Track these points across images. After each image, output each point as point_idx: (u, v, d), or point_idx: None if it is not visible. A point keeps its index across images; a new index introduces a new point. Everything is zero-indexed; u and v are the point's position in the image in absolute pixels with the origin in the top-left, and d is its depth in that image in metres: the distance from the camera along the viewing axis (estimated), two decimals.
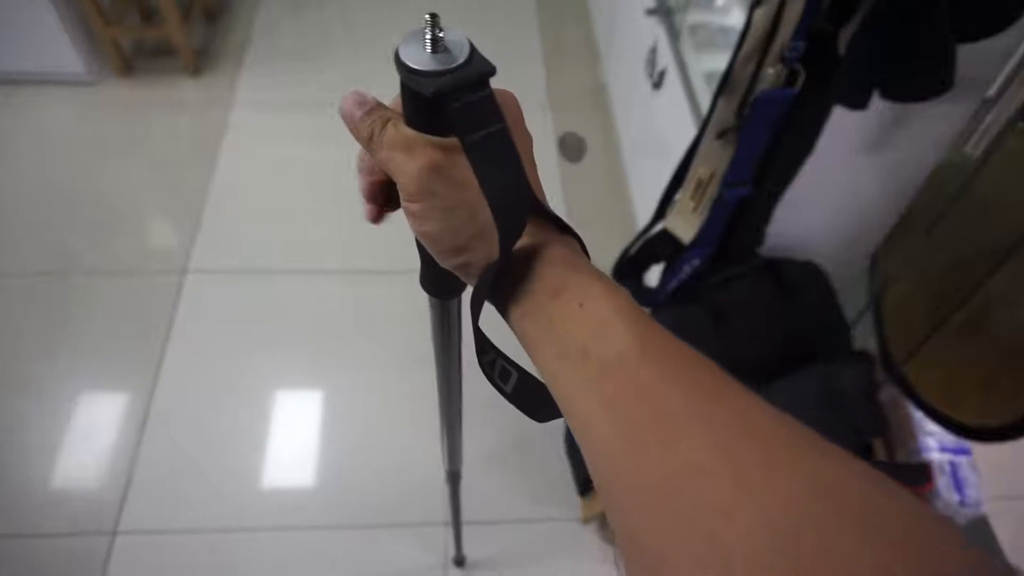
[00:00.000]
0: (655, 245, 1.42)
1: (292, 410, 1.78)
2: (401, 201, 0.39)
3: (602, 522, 1.58)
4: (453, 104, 0.35)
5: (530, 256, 0.37)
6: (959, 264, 1.39)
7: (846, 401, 1.38)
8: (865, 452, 1.40)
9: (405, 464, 1.70)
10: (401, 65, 0.36)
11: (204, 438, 1.71)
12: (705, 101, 1.58)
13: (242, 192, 2.21)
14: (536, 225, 0.38)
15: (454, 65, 0.36)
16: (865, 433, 1.39)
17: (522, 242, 0.37)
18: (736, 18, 1.81)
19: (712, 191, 1.20)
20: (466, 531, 1.42)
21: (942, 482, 1.38)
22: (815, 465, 0.25)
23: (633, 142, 2.20)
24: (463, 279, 0.41)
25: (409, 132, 0.38)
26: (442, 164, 0.36)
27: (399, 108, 0.40)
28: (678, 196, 1.27)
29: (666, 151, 1.88)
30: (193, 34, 2.47)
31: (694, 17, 1.78)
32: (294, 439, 1.73)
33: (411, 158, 0.37)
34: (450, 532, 1.52)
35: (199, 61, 2.51)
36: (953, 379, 1.44)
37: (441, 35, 0.36)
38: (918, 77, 0.98)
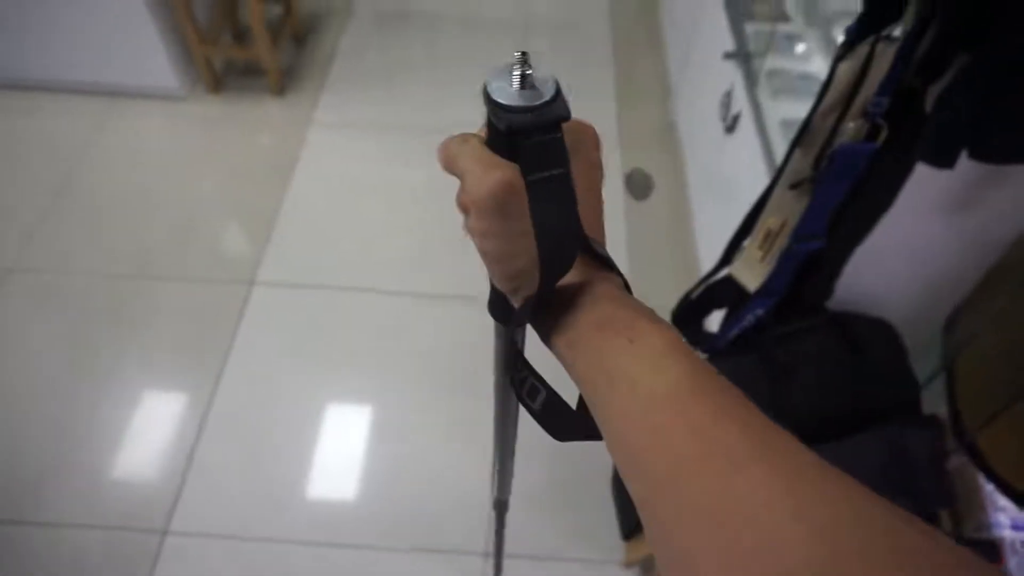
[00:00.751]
0: (718, 291, 1.39)
1: (343, 426, 1.81)
2: (471, 218, 0.40)
3: (644, 567, 1.54)
4: (523, 141, 0.36)
5: (577, 291, 0.39)
6: None
7: (911, 467, 1.32)
8: (931, 521, 1.33)
9: (449, 489, 1.70)
10: (487, 97, 0.38)
11: (257, 446, 1.75)
12: (780, 148, 1.56)
13: (313, 209, 2.28)
14: (585, 261, 0.40)
15: (535, 103, 0.37)
16: (931, 502, 1.32)
17: (571, 276, 0.38)
18: (817, 65, 1.78)
19: (782, 242, 1.17)
20: (505, 564, 1.41)
21: (1014, 562, 1.30)
22: (877, 514, 0.25)
23: (701, 184, 2.18)
24: (511, 300, 0.43)
25: (489, 151, 0.39)
26: (514, 186, 0.37)
27: (483, 134, 0.41)
28: (746, 243, 1.25)
29: (735, 196, 1.86)
30: (281, 55, 2.58)
31: (773, 62, 1.76)
32: (342, 455, 1.76)
33: (488, 173, 0.38)
34: (486, 562, 1.50)
35: (284, 81, 2.63)
36: None
37: (529, 72, 0.37)
38: (1013, 139, 0.94)
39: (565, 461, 1.72)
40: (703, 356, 1.58)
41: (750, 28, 1.86)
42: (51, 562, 1.55)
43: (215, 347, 1.91)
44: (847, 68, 0.93)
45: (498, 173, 0.37)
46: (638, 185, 2.41)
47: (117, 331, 1.94)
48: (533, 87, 0.37)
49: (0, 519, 1.60)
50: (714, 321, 1.51)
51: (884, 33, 0.90)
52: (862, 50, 0.90)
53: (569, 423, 0.41)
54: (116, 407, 1.80)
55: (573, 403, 0.41)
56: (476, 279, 2.38)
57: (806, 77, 1.75)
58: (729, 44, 1.86)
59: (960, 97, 0.95)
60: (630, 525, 1.52)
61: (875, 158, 1.02)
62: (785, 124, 1.62)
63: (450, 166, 0.41)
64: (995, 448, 1.40)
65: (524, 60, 0.37)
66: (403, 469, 1.73)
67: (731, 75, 1.83)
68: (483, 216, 0.38)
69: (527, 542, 1.60)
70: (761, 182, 1.57)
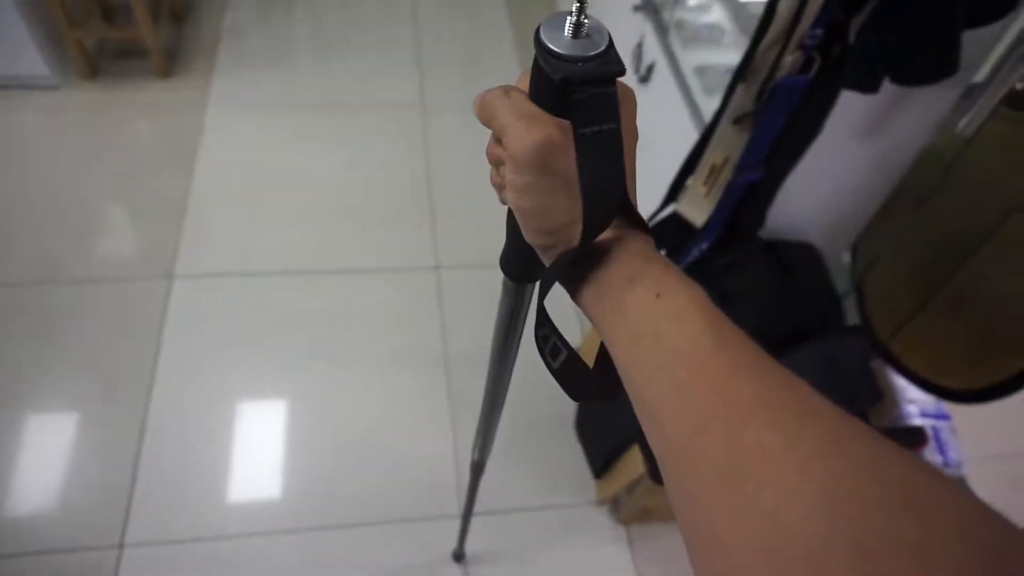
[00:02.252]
0: (662, 230, 1.47)
1: (289, 411, 1.76)
2: (508, 172, 0.39)
3: (615, 504, 1.61)
4: (577, 94, 0.36)
5: (609, 246, 0.39)
6: (944, 243, 1.49)
7: (844, 373, 1.46)
8: (861, 419, 1.48)
9: (406, 459, 1.70)
10: (540, 43, 0.37)
11: (203, 444, 1.68)
12: (698, 93, 1.64)
13: (223, 195, 2.17)
14: (620, 220, 0.40)
15: (590, 54, 0.36)
16: (862, 401, 1.47)
17: (605, 233, 0.39)
18: (716, 16, 1.88)
19: (725, 176, 1.25)
20: (473, 522, 1.44)
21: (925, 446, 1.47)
22: (876, 454, 0.26)
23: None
24: (542, 258, 0.43)
25: (532, 105, 0.39)
26: (559, 142, 0.37)
27: (524, 85, 0.41)
28: (690, 181, 1.32)
29: (653, 144, 1.94)
30: (161, 35, 2.41)
31: (677, 14, 1.85)
32: (291, 440, 1.71)
33: (530, 129, 0.37)
34: (448, 526, 1.52)
35: (168, 63, 2.45)
36: (939, 352, 1.53)
37: (585, 21, 0.37)
38: (928, 61, 1.05)
39: (526, 412, 1.77)
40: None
41: None
42: None
43: (142, 348, 1.80)
44: (787, 3, 1.00)
45: (543, 128, 0.37)
46: None
47: (32, 345, 1.78)
48: (588, 36, 0.37)
49: None
50: None
51: None
52: None
53: (585, 383, 0.42)
54: (45, 427, 1.66)
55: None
56: (399, 250, 2.37)
57: (711, 27, 1.85)
58: None
59: (879, 26, 1.05)
60: (600, 463, 1.59)
61: (808, 89, 1.11)
62: (700, 70, 1.70)
63: (489, 120, 0.40)
64: (907, 352, 1.57)
65: (580, 8, 0.36)
66: (357, 446, 1.72)
67: (640, 27, 1.89)
68: (524, 171, 0.38)
69: (498, 497, 1.64)
70: (683, 126, 1.66)
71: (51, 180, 2.13)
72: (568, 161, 0.37)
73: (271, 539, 1.56)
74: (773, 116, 1.13)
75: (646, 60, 1.85)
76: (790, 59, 1.05)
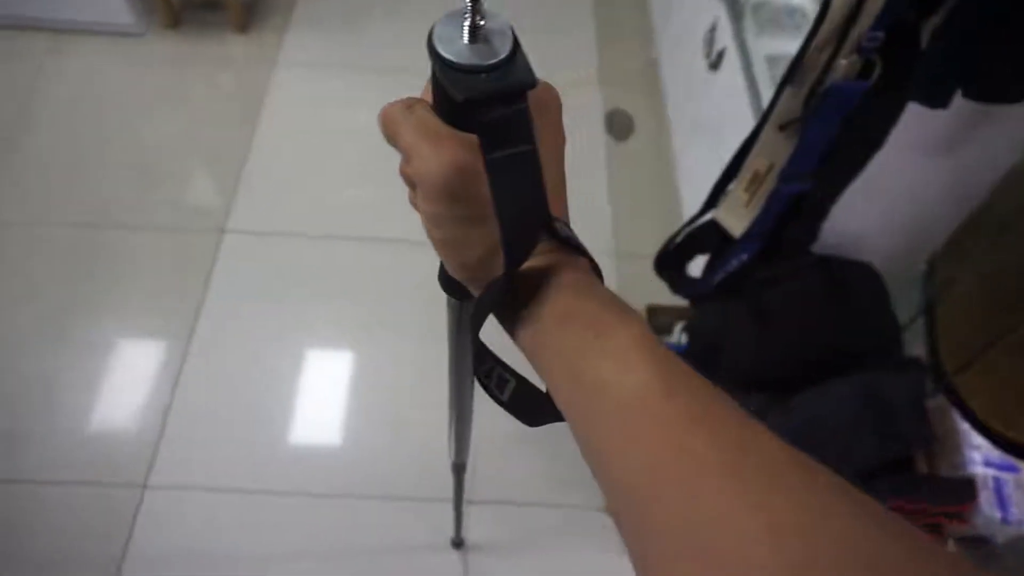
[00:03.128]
0: (702, 236, 1.37)
1: (320, 375, 1.79)
2: (419, 198, 0.35)
3: None
4: (482, 116, 0.31)
5: (539, 278, 0.35)
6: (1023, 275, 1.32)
7: (890, 409, 1.33)
8: (908, 462, 1.35)
9: (427, 438, 1.68)
10: (434, 53, 0.32)
11: (233, 397, 1.72)
12: (765, 85, 1.51)
13: (283, 153, 2.19)
14: (549, 245, 0.35)
15: (491, 61, 0.31)
16: (911, 443, 1.33)
17: (533, 262, 0.34)
18: None
19: (768, 184, 1.14)
20: (479, 510, 1.42)
21: (984, 497, 1.33)
22: (853, 530, 0.24)
23: (684, 124, 2.12)
24: (469, 288, 0.39)
25: (438, 121, 0.34)
26: (468, 167, 0.32)
27: (429, 97, 0.36)
28: (731, 187, 1.22)
29: (719, 136, 1.81)
30: None
31: None
32: (319, 404, 1.74)
33: (437, 151, 0.33)
34: (465, 509, 1.51)
35: (247, 17, 2.49)
36: (1010, 394, 1.37)
37: (482, 23, 0.31)
38: (1010, 77, 0.91)
39: None
40: (687, 302, 1.57)
41: None
42: (27, 519, 1.52)
43: (187, 298, 1.86)
44: (842, 0, 0.88)
45: (450, 152, 0.32)
46: (619, 126, 2.35)
47: (83, 284, 1.88)
48: (487, 40, 0.32)
49: None
50: (696, 266, 1.49)
51: None
52: None
53: (540, 408, 0.38)
54: (86, 362, 1.75)
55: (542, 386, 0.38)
56: None
57: (792, 11, 1.68)
58: None
59: (954, 33, 0.91)
60: None
61: (868, 96, 0.98)
62: (771, 60, 1.56)
63: (393, 138, 0.36)
64: (973, 391, 1.41)
65: (476, 8, 0.31)
66: (379, 418, 1.72)
67: (715, 9, 1.75)
68: (432, 200, 0.34)
69: (508, 488, 1.61)
70: (745, 121, 1.53)
71: (121, 125, 2.21)
72: (482, 187, 0.32)
73: (287, 499, 1.59)
74: (823, 124, 1.01)
75: (717, 46, 1.72)
76: (845, 62, 0.93)
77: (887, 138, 1.09)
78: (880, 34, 0.89)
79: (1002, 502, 1.34)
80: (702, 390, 0.29)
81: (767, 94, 1.50)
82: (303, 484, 1.61)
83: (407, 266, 1.98)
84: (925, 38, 0.93)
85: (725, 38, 1.67)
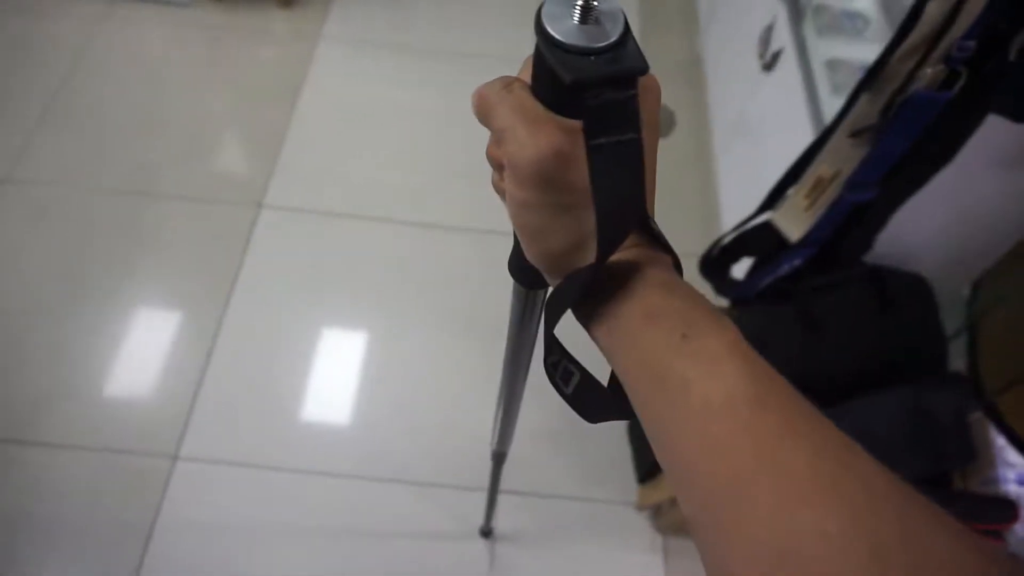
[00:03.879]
0: (752, 238, 1.35)
1: (351, 356, 1.78)
2: (507, 182, 0.34)
3: (656, 511, 1.55)
4: (590, 100, 0.30)
5: (625, 272, 0.33)
6: None
7: (936, 424, 1.31)
8: (943, 477, 1.34)
9: (455, 425, 1.69)
10: (542, 31, 0.31)
11: (264, 373, 1.72)
12: (824, 90, 1.48)
13: (322, 131, 2.18)
14: (636, 240, 0.35)
15: (602, 44, 0.30)
16: (952, 460, 1.32)
17: (619, 255, 0.34)
18: (864, 3, 1.68)
19: (832, 192, 1.12)
20: (508, 500, 1.41)
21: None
22: (951, 547, 0.23)
23: (727, 123, 2.10)
24: (546, 278, 0.38)
25: (536, 103, 0.32)
26: (567, 152, 0.31)
27: (527, 77, 0.34)
28: (791, 191, 1.20)
29: (765, 138, 1.79)
30: None
31: None
32: (350, 385, 1.73)
33: (534, 135, 0.31)
34: (484, 499, 1.51)
35: None
36: None
37: (595, 4, 0.30)
38: None
39: None
40: (727, 304, 1.55)
41: None
42: (58, 483, 1.53)
43: (223, 270, 1.86)
44: (936, 7, 0.85)
45: (548, 136, 0.31)
46: (661, 120, 2.32)
47: (121, 249, 1.88)
48: (598, 22, 0.31)
49: (2, 438, 1.57)
50: (738, 268, 1.47)
51: None
52: None
53: (602, 405, 0.38)
54: (121, 328, 1.76)
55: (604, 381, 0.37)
56: (487, 213, 2.33)
57: (853, 16, 1.65)
58: None
59: None
60: (645, 468, 1.53)
61: (947, 108, 0.96)
62: (831, 64, 1.54)
63: (486, 119, 0.34)
64: (1015, 411, 1.40)
65: None
66: (411, 403, 1.72)
67: (773, 8, 1.72)
68: (524, 185, 0.32)
69: (539, 481, 1.61)
70: (800, 125, 1.51)
71: (163, 94, 2.21)
72: (578, 174, 0.32)
73: (312, 478, 1.59)
74: (899, 134, 0.99)
75: (773, 46, 1.69)
76: (930, 71, 0.91)
77: (958, 153, 1.07)
78: (972, 44, 0.86)
79: None
80: (796, 402, 0.28)
81: (826, 99, 1.48)
82: (331, 465, 1.61)
83: (442, 252, 1.97)
84: (1013, 51, 0.91)
85: (783, 38, 1.64)
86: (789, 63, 1.60)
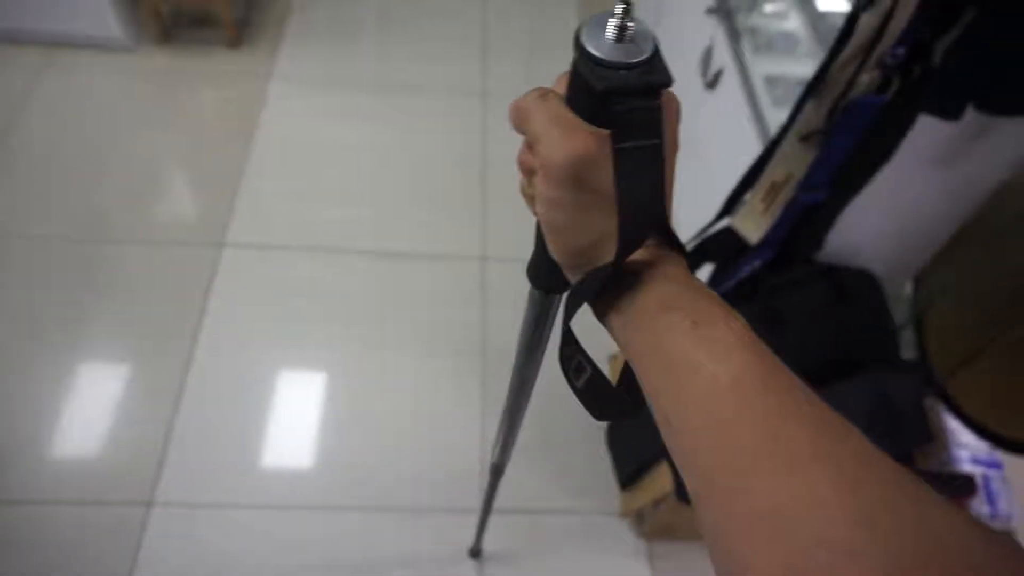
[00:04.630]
0: (713, 244, 1.42)
1: (323, 387, 1.78)
2: (539, 183, 0.37)
3: (638, 517, 1.58)
4: (618, 106, 0.34)
5: (641, 268, 0.36)
6: (1018, 284, 1.40)
7: (894, 409, 1.39)
8: (906, 459, 1.41)
9: (435, 449, 1.70)
10: (580, 46, 0.35)
11: (236, 411, 1.70)
12: (766, 103, 1.58)
13: (279, 167, 2.19)
14: (653, 239, 0.37)
15: (633, 60, 0.34)
16: (912, 443, 1.40)
17: (637, 254, 0.36)
18: (793, 24, 1.81)
19: (786, 194, 1.20)
20: (493, 519, 1.41)
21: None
22: (942, 518, 0.24)
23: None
24: (567, 275, 0.41)
25: (569, 112, 0.36)
26: (596, 156, 0.35)
27: (560, 90, 0.38)
28: (748, 196, 1.27)
29: (711, 153, 1.88)
30: (233, 6, 2.44)
31: (751, 20, 1.78)
32: (325, 417, 1.73)
33: (566, 139, 0.35)
34: (469, 521, 1.51)
35: (238, 33, 2.49)
36: (999, 398, 1.45)
37: (630, 25, 0.34)
38: (1017, 90, 0.98)
39: (558, 414, 1.74)
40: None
41: None
42: (31, 539, 1.47)
43: (188, 311, 1.84)
44: (869, 19, 0.94)
45: (579, 140, 0.35)
46: None
47: (79, 297, 1.84)
48: (632, 41, 0.34)
49: None
50: (702, 274, 1.54)
51: None
52: (885, 1, 0.92)
53: (610, 401, 0.40)
54: (85, 378, 1.72)
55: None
56: (447, 238, 2.35)
57: (785, 35, 1.77)
58: (709, 0, 1.86)
59: (968, 50, 0.98)
60: (626, 474, 1.56)
61: (883, 110, 1.05)
62: (769, 80, 1.64)
63: (522, 125, 0.38)
64: (966, 393, 1.49)
65: (626, 10, 0.34)
66: (388, 430, 1.72)
67: (710, 31, 1.83)
68: (555, 184, 0.36)
69: (522, 496, 1.62)
70: (747, 137, 1.60)
71: (113, 139, 2.19)
72: (604, 176, 0.35)
73: (294, 513, 1.57)
74: (844, 136, 1.07)
75: (714, 66, 1.79)
76: (867, 78, 1.00)
77: (896, 151, 1.16)
78: (902, 51, 0.95)
79: (991, 497, 1.40)
80: (796, 385, 0.30)
81: (768, 111, 1.58)
82: (311, 498, 1.60)
83: (404, 279, 1.99)
84: (937, 55, 1.00)
85: (723, 59, 1.74)
86: (731, 81, 1.70)
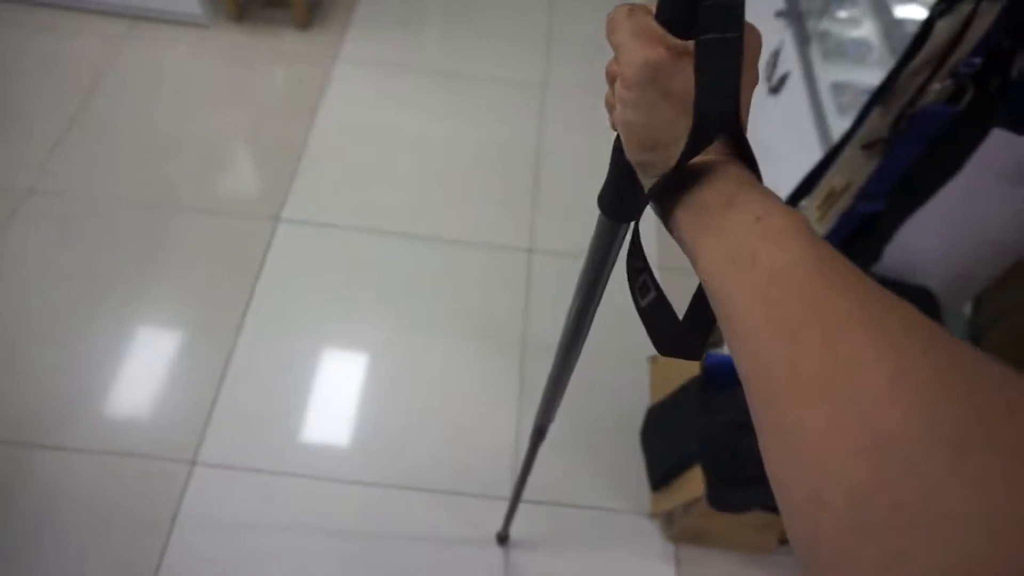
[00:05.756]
0: None
1: (367, 365, 1.81)
2: (619, 87, 0.40)
3: (668, 519, 1.57)
4: (705, 1, 0.36)
5: (711, 169, 0.38)
6: None
7: None
8: None
9: (473, 434, 1.71)
10: None
11: (282, 381, 1.75)
12: (831, 110, 1.55)
13: (339, 148, 2.24)
14: (726, 143, 0.40)
15: None
16: None
17: (707, 156, 0.39)
18: (866, 30, 1.76)
19: (843, 202, 1.17)
20: (523, 509, 1.43)
21: None
22: (976, 364, 0.25)
23: None
24: (641, 178, 0.44)
25: (653, 24, 0.39)
26: (666, 64, 0.38)
27: (653, 12, 0.41)
28: (804, 202, 1.25)
29: (771, 157, 1.85)
30: None
31: (822, 25, 1.74)
32: (367, 394, 1.76)
33: (642, 48, 0.38)
34: (498, 507, 1.52)
35: (309, 15, 2.55)
36: None
37: None
38: None
39: (595, 412, 1.74)
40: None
41: None
42: (78, 484, 1.55)
43: (242, 280, 1.89)
44: (945, 26, 0.91)
45: (655, 48, 0.38)
46: None
47: (141, 259, 1.92)
48: None
49: (21, 442, 1.59)
50: None
51: None
52: (964, 8, 0.89)
53: (672, 333, 0.42)
54: (141, 336, 1.79)
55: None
56: (496, 228, 2.37)
57: (857, 43, 1.73)
58: (779, 2, 1.83)
59: None
60: (658, 476, 1.55)
61: (955, 122, 1.01)
62: (836, 87, 1.60)
63: (610, 36, 0.41)
64: None
65: None
66: (428, 412, 1.74)
67: (780, 34, 1.80)
68: (633, 86, 0.39)
69: (553, 488, 1.63)
70: (808, 143, 1.57)
71: (184, 110, 2.27)
72: (678, 82, 0.38)
73: (328, 485, 1.61)
74: (909, 146, 1.04)
75: (780, 70, 1.76)
76: (938, 87, 0.97)
77: (964, 165, 1.12)
78: (978, 60, 0.92)
79: None
80: (849, 268, 0.31)
81: (832, 119, 1.54)
82: (347, 471, 1.63)
83: (455, 266, 2.01)
84: (1016, 68, 0.97)
85: (790, 62, 1.71)
86: (796, 86, 1.67)
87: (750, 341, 0.32)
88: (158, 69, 2.37)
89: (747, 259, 0.33)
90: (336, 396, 1.75)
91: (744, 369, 0.33)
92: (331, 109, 2.33)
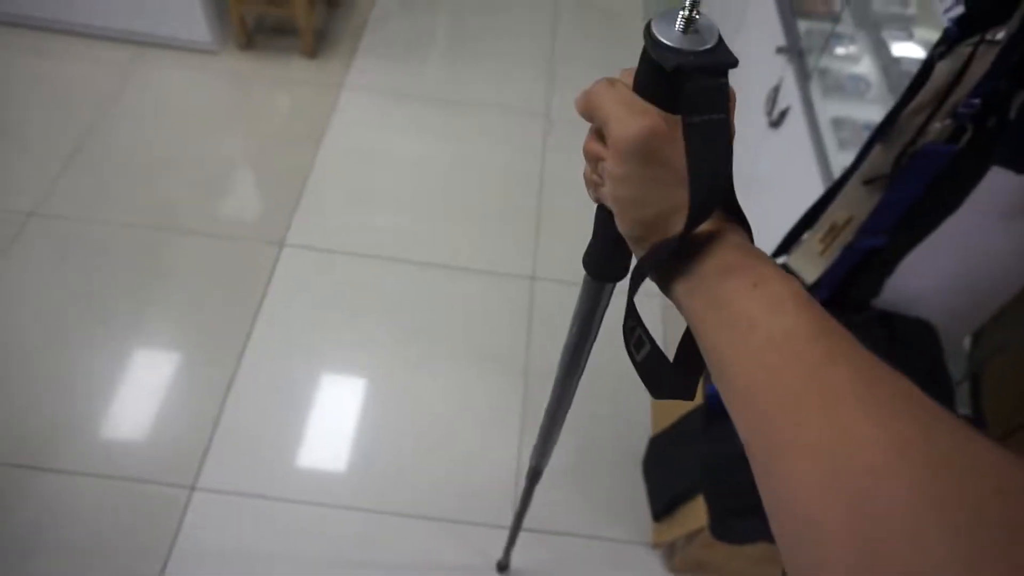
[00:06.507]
0: None
1: (368, 393, 1.81)
2: (608, 162, 0.40)
3: (670, 550, 1.56)
4: (688, 83, 0.36)
5: (707, 238, 0.39)
6: None
7: None
8: None
9: (473, 462, 1.71)
10: (650, 36, 0.38)
11: (281, 409, 1.75)
12: (832, 145, 1.57)
13: (344, 174, 2.26)
14: (720, 210, 0.40)
15: (699, 48, 0.37)
16: None
17: (704, 225, 0.39)
18: (866, 67, 1.79)
19: (845, 237, 1.19)
20: (523, 537, 1.42)
21: None
22: (969, 445, 0.26)
23: (737, 177, 2.18)
24: (632, 249, 0.44)
25: (636, 96, 0.39)
26: (663, 132, 0.38)
27: (627, 80, 0.41)
28: (806, 236, 1.27)
29: (771, 191, 1.87)
30: (315, 17, 2.55)
31: (822, 61, 1.77)
32: (368, 420, 1.76)
33: (635, 117, 0.38)
34: (499, 536, 1.51)
35: (316, 43, 2.59)
36: None
37: (696, 17, 0.37)
38: None
39: (597, 442, 1.75)
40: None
41: (802, 25, 1.86)
42: (76, 508, 1.54)
43: (245, 304, 1.90)
44: (945, 68, 0.94)
45: (646, 118, 0.38)
46: None
47: (143, 282, 1.92)
48: (696, 32, 0.37)
49: (18, 464, 1.58)
50: None
51: (988, 36, 0.91)
52: (963, 50, 0.91)
53: (667, 379, 0.43)
54: (142, 360, 1.79)
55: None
56: (499, 255, 2.38)
57: (856, 79, 1.76)
58: (780, 39, 1.86)
59: None
60: (660, 506, 1.55)
61: (954, 160, 1.04)
62: (836, 123, 1.63)
63: (592, 110, 0.41)
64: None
65: (695, 3, 0.37)
66: (429, 439, 1.74)
67: (780, 69, 1.83)
68: (624, 161, 0.39)
69: (554, 517, 1.62)
70: (809, 178, 1.59)
71: (191, 135, 2.29)
72: (670, 152, 0.38)
73: (328, 511, 1.60)
74: (910, 183, 1.06)
75: (780, 104, 1.79)
76: (939, 126, 0.99)
77: (963, 201, 1.14)
78: (977, 101, 0.94)
79: None
80: (845, 337, 0.32)
81: (832, 153, 1.56)
82: (348, 499, 1.63)
83: (458, 292, 2.02)
84: (1014, 108, 0.99)
85: (790, 97, 1.74)
86: (796, 120, 1.69)
87: (749, 406, 0.33)
88: (165, 94, 2.41)
89: (746, 326, 0.34)
90: (338, 422, 1.75)
91: (743, 433, 0.33)
92: (337, 136, 2.35)
